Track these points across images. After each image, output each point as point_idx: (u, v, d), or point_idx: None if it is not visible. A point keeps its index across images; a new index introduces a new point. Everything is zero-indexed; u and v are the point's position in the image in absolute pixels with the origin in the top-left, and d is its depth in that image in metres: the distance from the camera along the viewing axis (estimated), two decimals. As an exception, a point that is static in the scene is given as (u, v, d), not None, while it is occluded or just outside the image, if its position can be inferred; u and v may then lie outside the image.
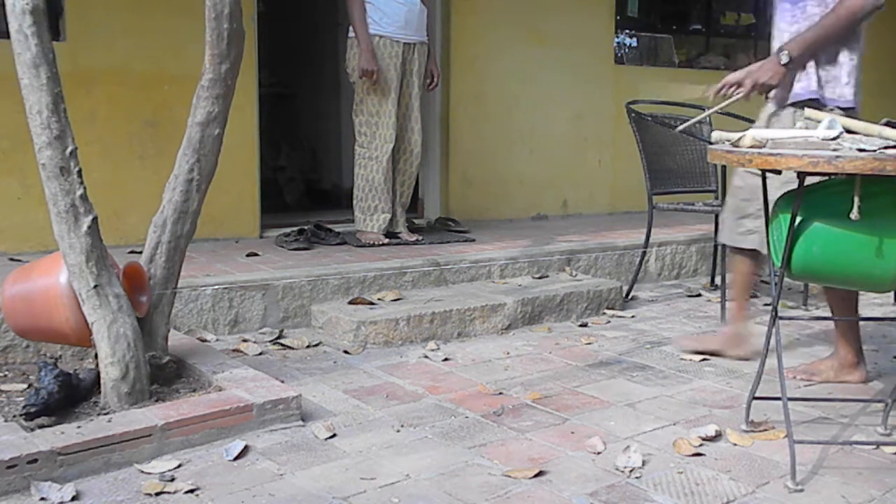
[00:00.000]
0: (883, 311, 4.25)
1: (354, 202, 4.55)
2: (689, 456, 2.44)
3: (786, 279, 2.45)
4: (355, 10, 4.35)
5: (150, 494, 2.16)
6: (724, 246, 4.27)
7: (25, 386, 2.82)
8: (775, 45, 3.01)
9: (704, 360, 3.36)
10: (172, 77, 4.33)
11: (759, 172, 2.54)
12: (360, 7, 4.34)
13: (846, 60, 2.91)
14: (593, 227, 5.27)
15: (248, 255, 4.15)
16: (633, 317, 4.11)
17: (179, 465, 2.33)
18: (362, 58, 4.31)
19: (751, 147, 2.31)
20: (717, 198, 4.44)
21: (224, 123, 2.74)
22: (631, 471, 2.33)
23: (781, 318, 2.48)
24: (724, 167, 3.95)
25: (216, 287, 3.56)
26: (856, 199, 2.23)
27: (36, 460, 2.17)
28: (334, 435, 2.57)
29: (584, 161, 5.93)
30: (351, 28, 4.41)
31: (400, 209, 4.64)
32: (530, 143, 5.66)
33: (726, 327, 3.38)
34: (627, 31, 6.56)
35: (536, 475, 2.30)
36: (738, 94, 2.92)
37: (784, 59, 2.86)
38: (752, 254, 3.20)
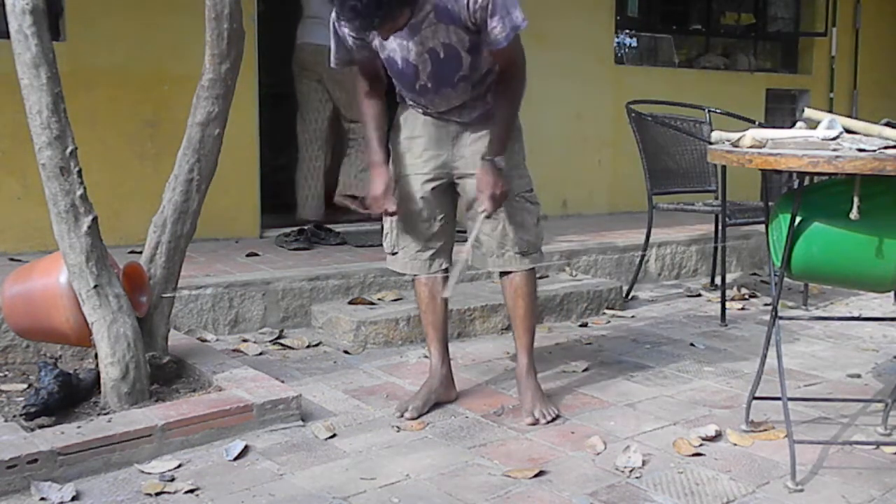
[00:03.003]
0: (883, 311, 4.25)
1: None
2: (689, 456, 2.44)
3: (786, 279, 2.45)
4: None
5: (150, 494, 2.16)
6: (724, 247, 4.28)
7: (25, 386, 2.82)
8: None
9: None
10: (172, 77, 4.33)
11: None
12: None
13: None
14: (593, 227, 5.26)
15: (248, 255, 4.15)
16: (633, 317, 4.11)
17: (179, 465, 2.33)
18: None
19: (751, 147, 2.31)
20: (716, 198, 4.44)
21: (224, 123, 2.74)
22: (631, 471, 2.33)
23: (781, 318, 2.48)
24: (724, 167, 3.94)
25: (216, 287, 3.55)
26: (855, 199, 2.23)
27: (36, 460, 2.17)
28: (334, 435, 2.57)
29: (583, 161, 5.92)
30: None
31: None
32: (530, 142, 5.58)
33: (431, 374, 2.89)
34: (627, 31, 6.55)
35: (536, 475, 2.30)
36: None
37: (501, 165, 2.72)
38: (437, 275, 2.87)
